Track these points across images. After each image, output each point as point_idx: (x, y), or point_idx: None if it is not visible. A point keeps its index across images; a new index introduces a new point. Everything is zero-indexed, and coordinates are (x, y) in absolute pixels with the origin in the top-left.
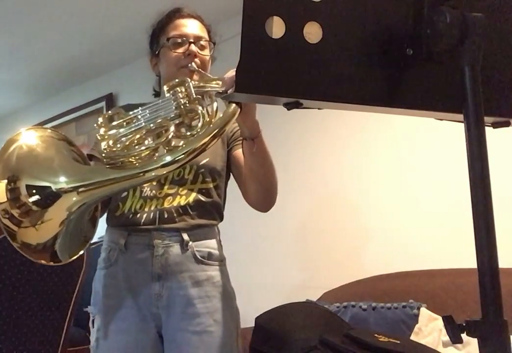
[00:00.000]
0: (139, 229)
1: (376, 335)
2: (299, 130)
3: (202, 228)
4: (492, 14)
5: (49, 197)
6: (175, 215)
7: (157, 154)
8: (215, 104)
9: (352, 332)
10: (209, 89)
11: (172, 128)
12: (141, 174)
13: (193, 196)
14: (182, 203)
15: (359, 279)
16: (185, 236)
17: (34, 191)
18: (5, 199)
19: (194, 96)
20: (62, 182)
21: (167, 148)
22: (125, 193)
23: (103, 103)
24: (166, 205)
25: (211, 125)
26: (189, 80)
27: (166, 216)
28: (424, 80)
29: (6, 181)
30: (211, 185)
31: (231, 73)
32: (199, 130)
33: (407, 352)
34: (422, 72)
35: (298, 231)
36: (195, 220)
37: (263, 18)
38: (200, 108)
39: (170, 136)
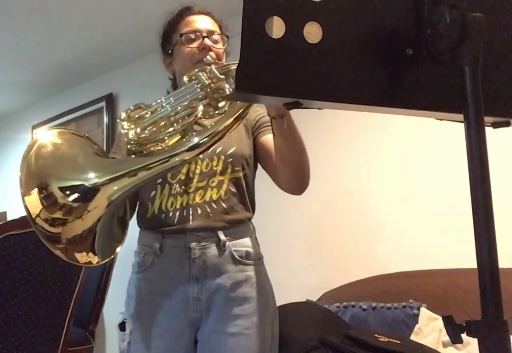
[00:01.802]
0: (173, 230)
1: (376, 335)
2: (307, 128)
3: (238, 226)
4: (492, 14)
5: (89, 192)
6: (208, 210)
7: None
8: None
9: (352, 332)
10: (234, 67)
11: (200, 108)
12: (167, 159)
13: (224, 187)
14: (214, 196)
15: (359, 279)
16: (222, 236)
17: (68, 192)
18: (40, 207)
19: (219, 76)
20: (93, 177)
21: (194, 133)
22: (153, 192)
23: (103, 103)
24: (197, 199)
25: (237, 105)
26: (208, 67)
27: (199, 212)
28: (424, 80)
29: (36, 189)
30: (240, 174)
31: None
32: (226, 108)
33: (407, 352)
34: (422, 72)
35: (297, 232)
36: (230, 214)
37: (263, 18)
38: (226, 85)
39: (199, 115)
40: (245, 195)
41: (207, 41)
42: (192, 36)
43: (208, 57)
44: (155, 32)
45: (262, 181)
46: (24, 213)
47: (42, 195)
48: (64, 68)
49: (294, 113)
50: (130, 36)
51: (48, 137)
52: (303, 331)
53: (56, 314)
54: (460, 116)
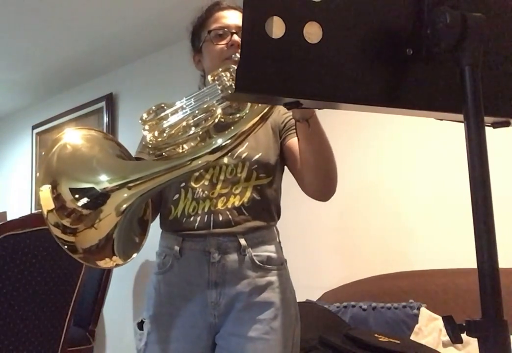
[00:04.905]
0: (194, 234)
1: (376, 335)
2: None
3: (259, 231)
4: (492, 14)
5: (99, 198)
6: (230, 217)
7: (203, 144)
8: None
9: (352, 332)
10: None
11: (219, 111)
12: (188, 162)
13: (247, 195)
14: (237, 203)
15: (359, 279)
16: (242, 241)
17: (77, 195)
18: (53, 206)
19: None
20: (104, 181)
21: (215, 136)
22: (177, 196)
23: (103, 103)
24: (220, 206)
25: (259, 105)
26: (233, 65)
27: (220, 218)
28: (424, 80)
29: (49, 186)
30: (265, 181)
31: None
32: (247, 111)
33: (407, 352)
34: (422, 72)
35: (298, 232)
36: (252, 222)
37: (263, 18)
38: None
39: (217, 120)
40: (269, 203)
41: (235, 38)
42: (221, 32)
43: (236, 54)
44: (154, 32)
45: None
46: (24, 213)
47: (54, 196)
48: (64, 68)
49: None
50: (130, 36)
51: (72, 136)
52: (303, 331)
53: (56, 314)
54: (460, 116)
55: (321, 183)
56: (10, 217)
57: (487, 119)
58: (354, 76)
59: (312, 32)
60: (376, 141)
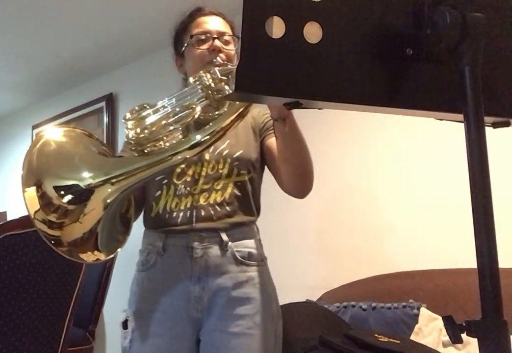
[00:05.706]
0: (176, 230)
1: (376, 335)
2: (311, 125)
3: (241, 227)
4: (492, 14)
5: (83, 194)
6: (212, 213)
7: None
8: None
9: (352, 332)
10: (234, 67)
11: (198, 108)
12: (168, 158)
13: (229, 190)
14: (219, 199)
15: (359, 279)
16: (224, 236)
17: (62, 192)
18: (38, 206)
19: (220, 77)
20: (87, 178)
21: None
22: (159, 192)
23: (103, 103)
24: (202, 201)
25: (237, 103)
26: (214, 68)
27: (203, 214)
28: (424, 80)
29: (34, 187)
30: (246, 178)
31: None
32: (226, 109)
33: (407, 352)
34: (422, 72)
35: (297, 232)
36: (233, 217)
37: (263, 18)
38: (226, 87)
39: (196, 116)
40: (249, 199)
41: (217, 43)
42: (203, 37)
43: (218, 58)
44: (154, 32)
45: (263, 179)
46: (24, 213)
47: (39, 194)
48: (64, 68)
49: (297, 110)
50: (130, 36)
51: (54, 134)
52: (303, 331)
53: (56, 314)
54: (460, 116)
55: (298, 180)
56: (10, 217)
57: (487, 119)
58: (354, 76)
59: (312, 32)
60: (366, 141)
